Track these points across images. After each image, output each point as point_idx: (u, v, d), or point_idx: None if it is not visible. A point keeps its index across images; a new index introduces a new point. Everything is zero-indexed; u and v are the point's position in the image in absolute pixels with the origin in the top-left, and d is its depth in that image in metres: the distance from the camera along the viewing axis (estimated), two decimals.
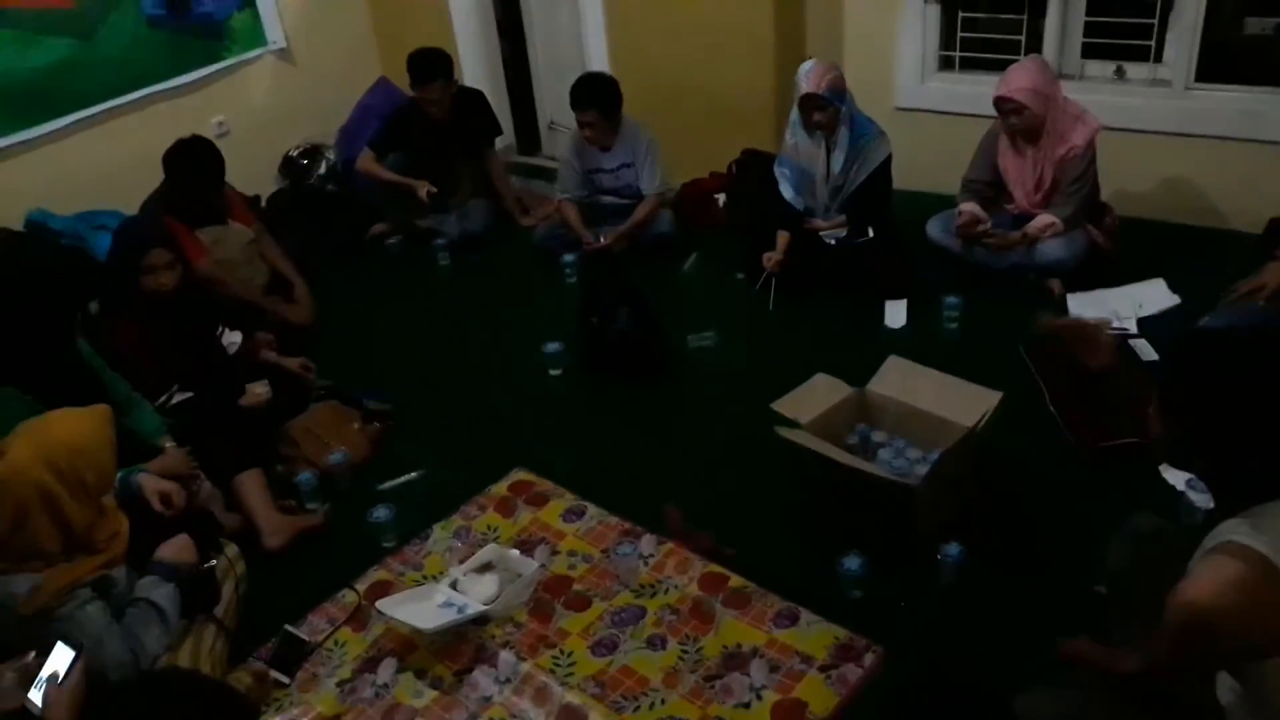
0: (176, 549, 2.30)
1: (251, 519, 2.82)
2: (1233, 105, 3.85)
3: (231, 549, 2.51)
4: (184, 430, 2.90)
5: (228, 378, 3.13)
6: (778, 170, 3.86)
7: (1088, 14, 4.04)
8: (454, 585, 2.58)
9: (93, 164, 4.39)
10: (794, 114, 3.73)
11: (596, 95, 4.12)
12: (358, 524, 2.85)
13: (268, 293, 3.92)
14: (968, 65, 4.40)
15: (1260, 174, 3.79)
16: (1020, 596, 2.43)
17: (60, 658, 1.96)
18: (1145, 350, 3.26)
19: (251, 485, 2.86)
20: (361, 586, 2.67)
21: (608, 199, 4.39)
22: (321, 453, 3.10)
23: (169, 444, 2.82)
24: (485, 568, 2.65)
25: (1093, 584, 2.21)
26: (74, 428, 2.11)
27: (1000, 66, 3.72)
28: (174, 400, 2.99)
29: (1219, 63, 3.95)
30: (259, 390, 3.14)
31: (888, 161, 3.72)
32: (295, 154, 5.16)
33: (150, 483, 2.48)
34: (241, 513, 2.84)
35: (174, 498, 2.47)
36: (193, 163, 3.67)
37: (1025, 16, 4.18)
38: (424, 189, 4.46)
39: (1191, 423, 1.59)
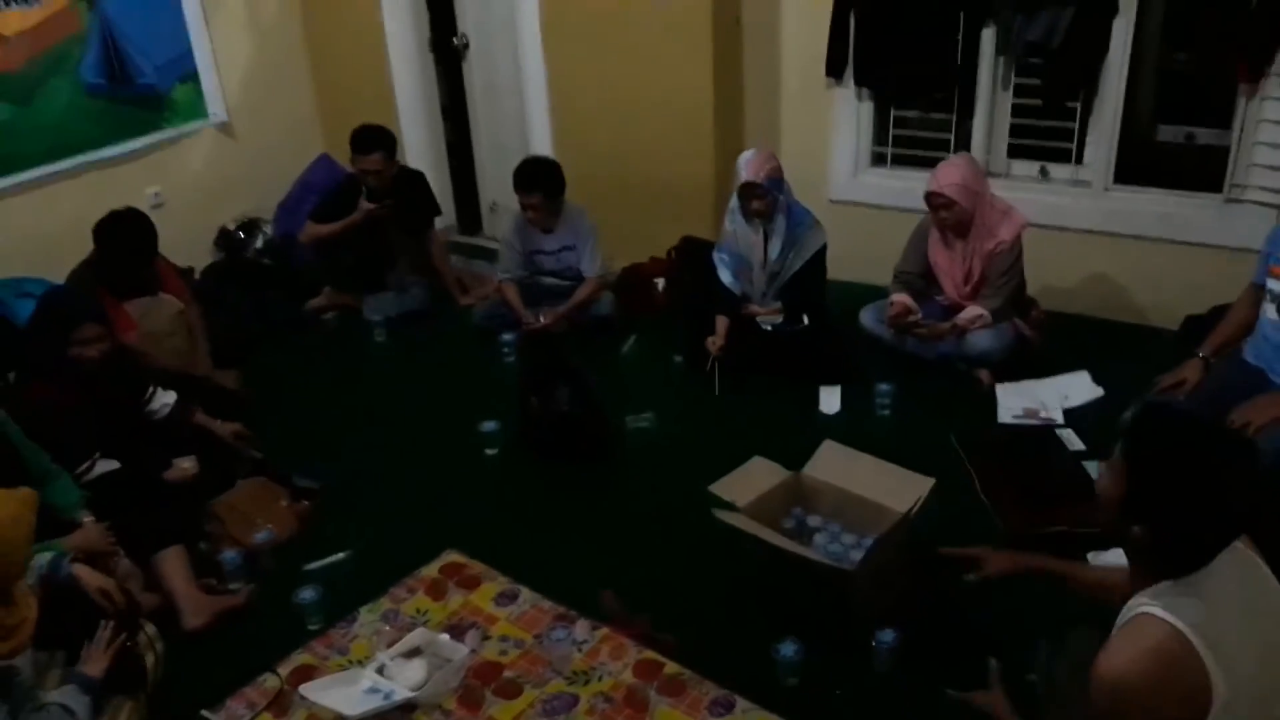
0: (98, 665, 2.19)
1: (172, 598, 2.72)
2: (1150, 206, 4.03)
3: (149, 629, 2.41)
4: (104, 504, 2.80)
5: (153, 449, 3.04)
6: (716, 256, 3.93)
7: (1013, 116, 4.23)
8: (381, 670, 2.50)
9: (22, 229, 4.30)
10: (733, 202, 3.82)
11: (540, 179, 4.18)
12: (283, 605, 2.76)
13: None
14: (899, 161, 4.56)
15: (1176, 273, 3.96)
16: (954, 683, 2.42)
17: None
18: (1071, 440, 3.34)
19: (172, 563, 2.76)
20: (284, 670, 2.57)
21: (548, 280, 4.41)
22: (247, 530, 3.02)
23: (87, 518, 2.72)
24: (414, 652, 2.57)
25: (1025, 673, 2.22)
26: None
27: (930, 163, 3.86)
28: (96, 469, 2.90)
29: (1137, 166, 4.15)
30: (185, 465, 3.06)
31: (823, 250, 3.81)
32: (232, 227, 5.12)
33: (90, 578, 2.37)
34: (161, 591, 2.73)
35: (114, 595, 2.36)
36: (123, 235, 3.60)
37: (954, 117, 4.35)
38: (367, 206, 4.43)
39: (1152, 488, 1.62)
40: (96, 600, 2.32)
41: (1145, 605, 1.59)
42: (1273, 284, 2.94)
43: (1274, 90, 3.61)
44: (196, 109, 4.96)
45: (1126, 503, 1.65)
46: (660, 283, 4.56)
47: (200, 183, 5.04)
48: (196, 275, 4.84)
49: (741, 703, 2.40)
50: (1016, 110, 4.22)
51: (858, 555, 2.64)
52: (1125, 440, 1.70)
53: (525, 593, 2.83)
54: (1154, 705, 1.53)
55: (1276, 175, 3.69)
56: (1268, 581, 1.68)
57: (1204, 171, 4.00)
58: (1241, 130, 3.76)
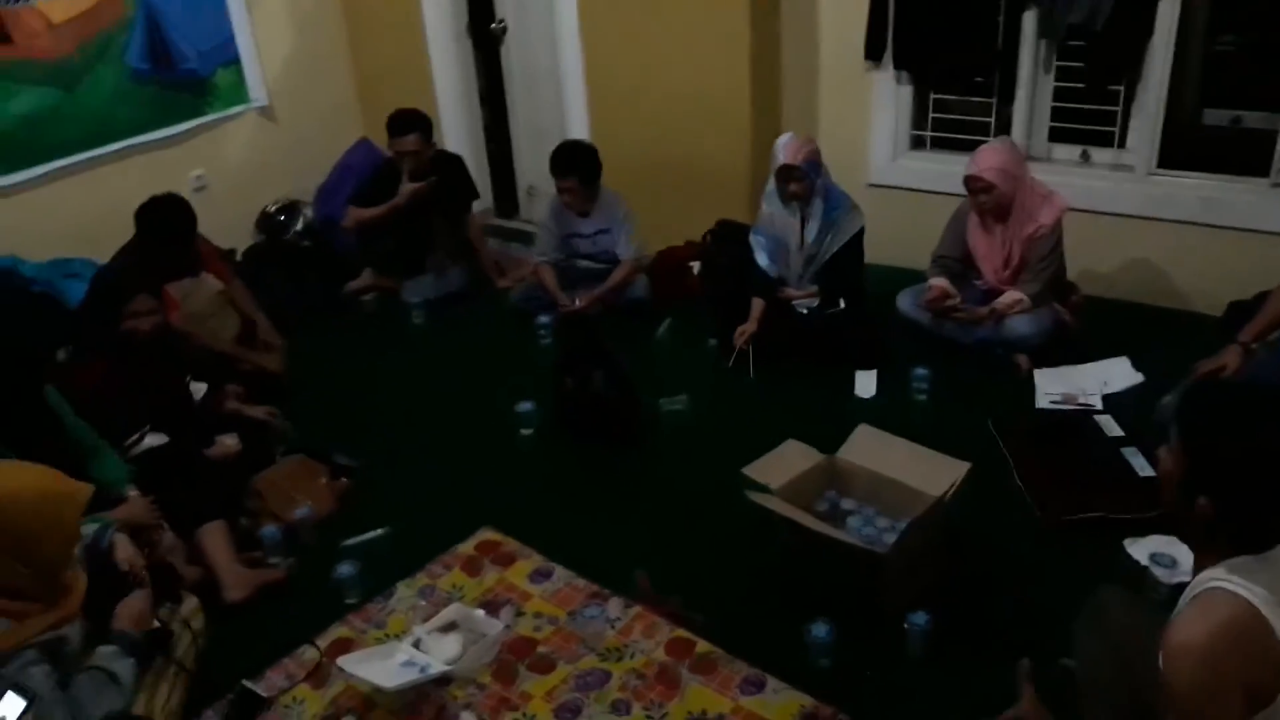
0: (133, 613, 2.23)
1: (214, 571, 2.78)
2: (1193, 192, 3.96)
3: (191, 602, 2.46)
4: (149, 479, 2.86)
5: (198, 427, 3.10)
6: (753, 239, 3.92)
7: (1054, 100, 4.18)
8: (417, 644, 2.54)
9: (68, 213, 4.39)
10: (770, 185, 3.80)
11: (577, 163, 4.19)
12: (321, 580, 2.81)
13: (239, 344, 3.90)
14: (939, 145, 4.52)
15: (1220, 258, 3.89)
16: (986, 668, 2.41)
17: (10, 706, 1.90)
18: (1110, 426, 3.30)
19: (215, 537, 2.82)
20: (323, 643, 2.62)
21: (584, 263, 4.43)
22: (287, 507, 3.07)
23: (133, 492, 2.78)
24: (449, 627, 2.61)
25: (1059, 658, 2.21)
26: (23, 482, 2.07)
27: (970, 147, 3.82)
28: (145, 443, 2.96)
29: (1180, 150, 4.08)
30: (229, 442, 3.11)
31: (860, 234, 3.79)
32: (273, 210, 5.18)
33: (122, 549, 2.42)
34: (203, 565, 2.79)
35: (137, 570, 2.41)
36: (164, 222, 3.65)
37: (995, 100, 4.31)
38: (410, 186, 4.47)
39: (1212, 459, 1.61)
40: (122, 569, 2.37)
41: (1216, 580, 1.58)
42: None
43: None
44: (238, 94, 5.02)
45: (1188, 479, 1.64)
46: (695, 266, 4.56)
47: (242, 166, 5.10)
48: (238, 257, 4.91)
49: (772, 682, 2.41)
50: (1058, 94, 4.16)
51: (891, 539, 2.63)
52: (1178, 419, 1.69)
53: (559, 570, 2.85)
54: (1228, 677, 1.51)
55: None
56: None
57: (1251, 156, 3.92)
58: None
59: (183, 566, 2.74)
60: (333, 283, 4.75)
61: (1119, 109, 4.03)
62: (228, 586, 2.76)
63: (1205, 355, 3.16)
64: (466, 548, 2.98)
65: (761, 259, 3.89)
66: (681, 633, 2.58)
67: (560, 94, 4.90)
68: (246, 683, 2.44)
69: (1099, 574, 2.41)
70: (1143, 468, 3.02)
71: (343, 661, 2.46)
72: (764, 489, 2.70)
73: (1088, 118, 4.13)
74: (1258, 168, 3.84)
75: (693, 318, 4.27)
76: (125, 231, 3.73)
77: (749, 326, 3.85)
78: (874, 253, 3.93)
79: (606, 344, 3.69)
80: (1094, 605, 2.08)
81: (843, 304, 3.85)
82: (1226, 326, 3.51)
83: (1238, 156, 4.03)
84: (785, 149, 3.67)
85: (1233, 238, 3.85)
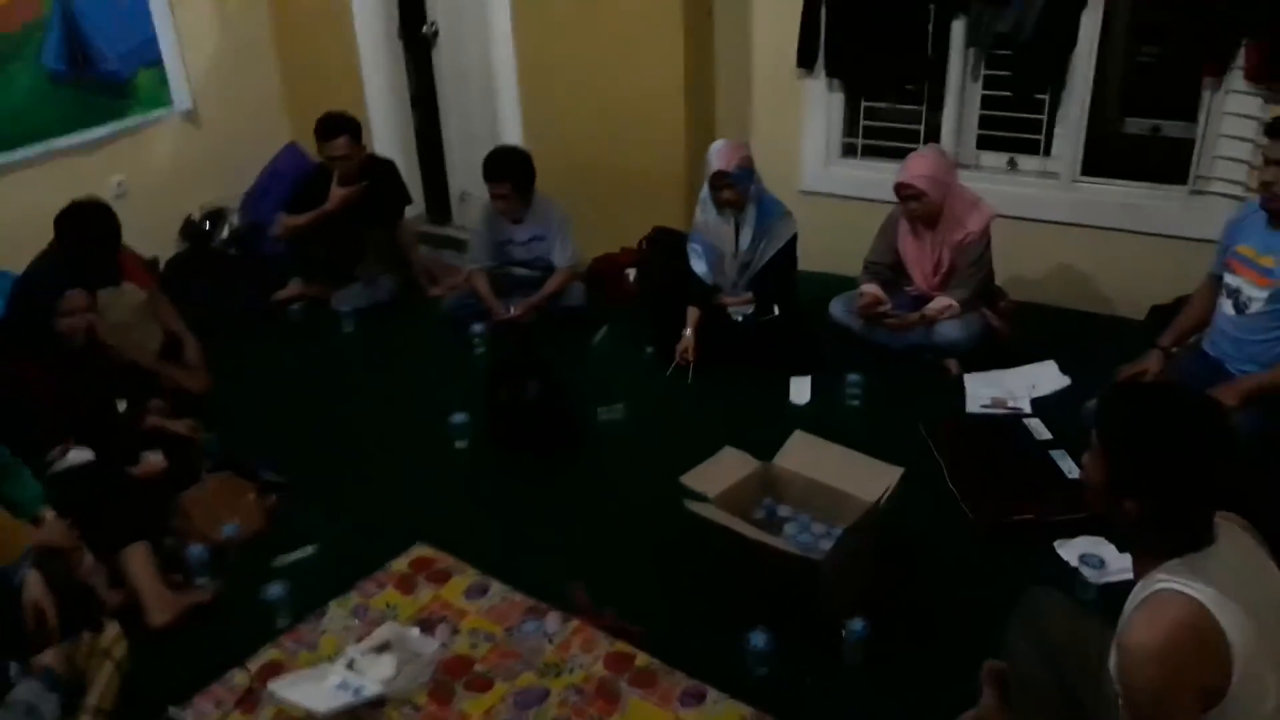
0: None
1: (137, 594, 2.69)
2: (1116, 198, 4.06)
3: (112, 629, 2.38)
4: (68, 498, 2.75)
5: (121, 443, 3.00)
6: (690, 246, 3.92)
7: (982, 108, 4.25)
8: (350, 665, 2.49)
9: None
10: (705, 191, 3.81)
11: (510, 168, 4.15)
12: (251, 601, 2.73)
13: (163, 357, 3.79)
14: (870, 152, 4.57)
15: (1142, 263, 4.00)
16: (923, 672, 2.45)
17: None
18: (1039, 429, 3.36)
19: (138, 559, 2.73)
20: (253, 666, 2.55)
21: (519, 270, 4.40)
22: (214, 525, 2.98)
23: (49, 514, 2.67)
24: (383, 647, 2.56)
25: (993, 659, 2.24)
26: None
27: (900, 154, 3.86)
28: (69, 458, 2.85)
29: (1103, 158, 4.18)
30: (154, 459, 3.02)
31: (793, 241, 3.82)
32: (197, 217, 5.05)
33: (31, 588, 2.34)
34: (126, 588, 2.70)
35: (48, 617, 2.32)
36: (86, 228, 3.53)
37: (924, 108, 4.37)
38: (340, 191, 4.40)
39: (1133, 461, 1.64)
40: (26, 617, 2.28)
41: (1164, 581, 1.61)
42: (1230, 278, 2.98)
43: (1237, 84, 3.64)
44: (160, 96, 4.88)
45: (1112, 483, 1.66)
46: (632, 273, 4.55)
47: (164, 171, 4.96)
48: (161, 265, 4.78)
49: (712, 693, 2.41)
50: (986, 102, 4.24)
51: (828, 544, 2.65)
52: (1098, 422, 1.72)
53: (495, 586, 2.82)
54: (1183, 677, 1.55)
55: (1240, 167, 3.73)
56: (1266, 562, 1.71)
57: (1170, 164, 4.04)
58: (1206, 123, 3.80)
59: (104, 591, 2.66)
60: (260, 291, 4.64)
61: (1044, 117, 4.12)
62: (152, 610, 2.67)
63: (1130, 358, 3.26)
64: (400, 565, 2.93)
65: (699, 266, 3.89)
66: (621, 646, 2.57)
67: (493, 98, 4.86)
68: (173, 710, 2.37)
69: (1030, 575, 2.45)
70: (1071, 470, 3.08)
71: (274, 685, 2.41)
72: (702, 497, 2.69)
73: (1014, 126, 4.21)
74: (1177, 175, 3.95)
75: (630, 325, 4.26)
76: (41, 240, 3.60)
77: (689, 339, 3.85)
78: (806, 260, 3.96)
79: (541, 352, 3.66)
80: (1026, 606, 2.12)
81: (777, 311, 3.87)
82: (1149, 330, 3.60)
83: (1158, 164, 4.15)
84: (719, 155, 3.67)
85: (1154, 243, 3.96)
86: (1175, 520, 1.65)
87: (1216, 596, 1.55)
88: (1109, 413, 1.73)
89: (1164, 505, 1.64)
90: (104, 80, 4.65)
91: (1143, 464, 1.63)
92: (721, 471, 2.83)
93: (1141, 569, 1.69)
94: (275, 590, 2.71)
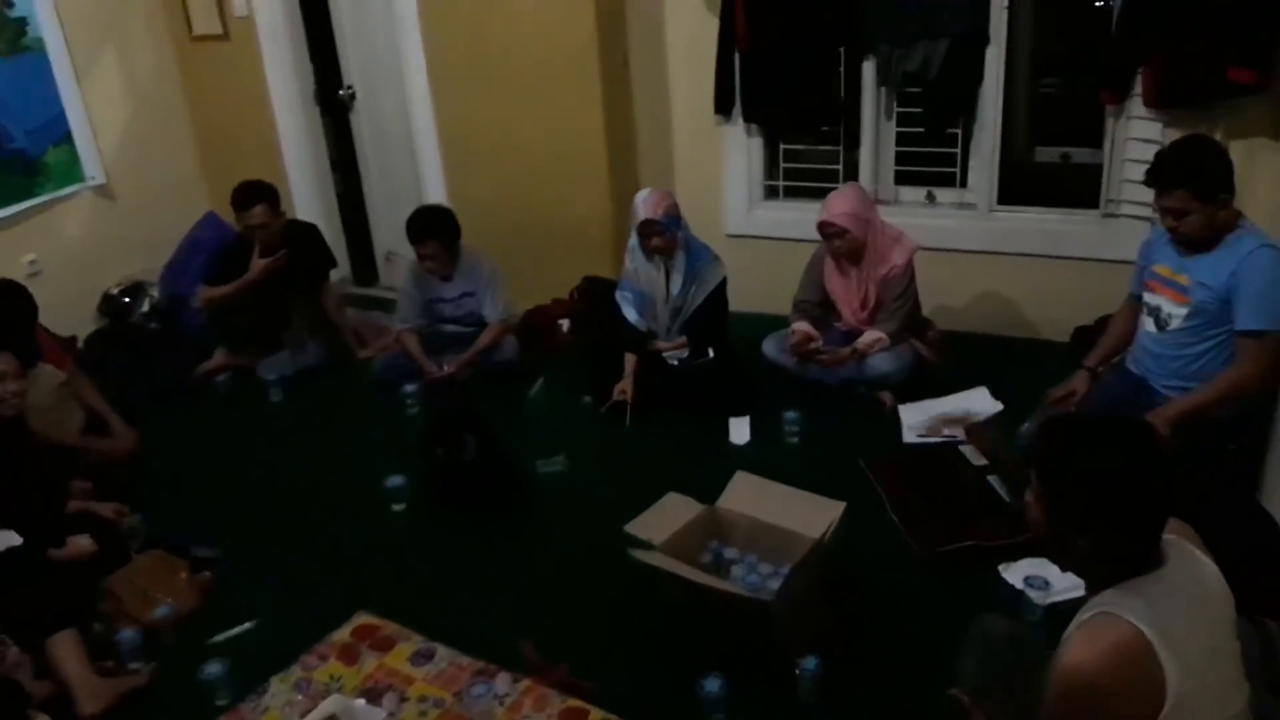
0: None
1: (67, 685, 2.57)
2: (1032, 225, 4.18)
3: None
4: None
5: (47, 527, 2.88)
6: (619, 295, 3.94)
7: (898, 144, 4.35)
8: None
9: None
10: (633, 240, 3.84)
11: (434, 227, 4.13)
12: (188, 682, 2.63)
13: (84, 434, 3.67)
14: (791, 194, 4.65)
15: (1062, 287, 4.10)
16: (880, 706, 2.44)
17: None
18: (974, 455, 3.40)
19: (65, 647, 2.61)
20: None
21: (450, 327, 4.36)
22: (145, 607, 2.87)
23: None
24: None
25: (947, 687, 2.24)
26: None
27: (821, 194, 3.92)
28: None
29: (1018, 187, 4.31)
30: (82, 543, 2.90)
31: (723, 284, 3.85)
32: (115, 291, 4.95)
33: None
34: (54, 678, 2.58)
35: None
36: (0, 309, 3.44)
37: (841, 148, 4.46)
38: (261, 262, 4.33)
39: (1074, 498, 1.65)
40: None
41: (1103, 605, 1.62)
42: (1149, 297, 3.07)
43: (1137, 110, 3.78)
44: (72, 172, 4.79)
45: (1057, 523, 1.68)
46: (565, 324, 4.54)
47: (79, 247, 4.86)
48: (79, 343, 4.65)
49: None
50: (901, 139, 4.35)
51: (776, 584, 2.63)
52: (1034, 465, 1.74)
53: (442, 650, 2.75)
54: (1114, 700, 1.55)
55: (1147, 190, 3.84)
56: (1212, 581, 1.72)
57: (1081, 189, 4.17)
58: (1112, 149, 3.93)
59: (30, 682, 2.53)
60: (184, 365, 4.53)
61: (959, 151, 4.23)
62: (83, 699, 2.55)
63: (1057, 379, 3.33)
64: (342, 635, 2.84)
65: (630, 314, 3.90)
66: (574, 702, 2.51)
67: (415, 158, 4.85)
68: None
69: (977, 600, 2.47)
70: (1007, 494, 3.11)
71: None
72: (647, 545, 2.67)
73: (930, 160, 4.32)
74: (1088, 200, 4.08)
75: (565, 376, 4.24)
76: None
77: (626, 384, 3.85)
78: (737, 301, 3.99)
79: (477, 408, 3.62)
80: (976, 633, 2.13)
81: (711, 353, 3.89)
82: (1074, 351, 3.70)
83: (1070, 190, 4.28)
84: (645, 205, 3.70)
85: (1072, 267, 4.07)
86: (1123, 550, 1.66)
87: (1154, 621, 1.57)
88: (1042, 454, 1.74)
89: (1111, 537, 1.65)
90: (12, 159, 4.56)
91: (1083, 500, 1.64)
92: (665, 517, 2.80)
93: (1092, 594, 1.70)
94: (213, 669, 2.61)
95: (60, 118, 4.71)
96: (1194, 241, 2.86)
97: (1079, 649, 1.58)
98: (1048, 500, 1.69)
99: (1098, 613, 1.61)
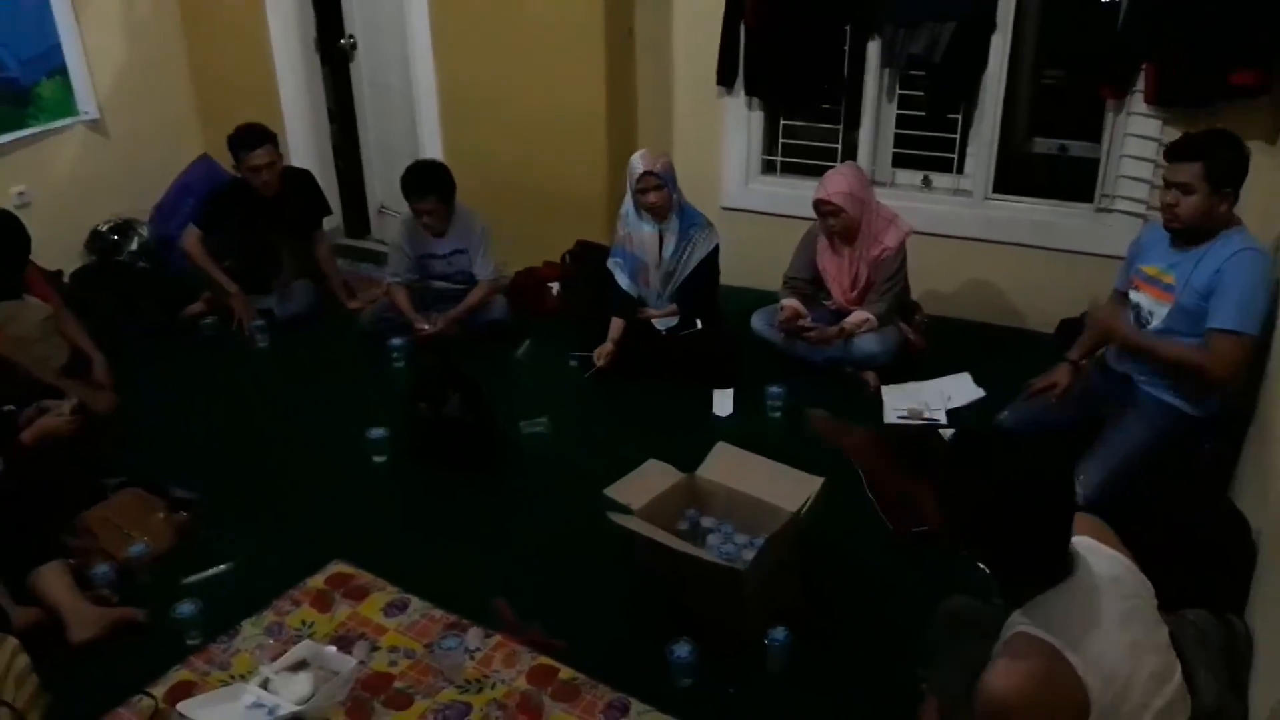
0: None
1: (57, 610, 2.58)
2: (1026, 215, 4.18)
3: (10, 643, 2.26)
4: None
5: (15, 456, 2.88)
6: (612, 262, 3.94)
7: (897, 127, 4.34)
8: (265, 685, 2.42)
9: None
10: (625, 205, 3.83)
11: (435, 183, 4.10)
12: (160, 620, 2.64)
13: (68, 375, 3.64)
14: (789, 170, 4.63)
15: (1052, 278, 4.11)
16: (845, 679, 2.47)
17: None
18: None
19: (53, 576, 2.63)
20: (161, 689, 2.45)
21: (440, 284, 4.34)
22: (121, 544, 2.88)
23: None
24: (299, 666, 2.50)
25: (916, 667, 2.27)
26: None
27: (818, 171, 3.92)
28: None
29: (1014, 176, 4.31)
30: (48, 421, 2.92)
31: (715, 252, 3.86)
32: (104, 229, 4.91)
33: None
34: (43, 605, 2.59)
35: None
36: None
37: (841, 126, 4.45)
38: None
39: (962, 514, 1.69)
40: None
41: (1020, 624, 1.64)
42: (1133, 295, 3.08)
43: (1137, 106, 3.78)
44: (65, 105, 4.74)
45: (947, 532, 1.71)
46: (555, 287, 4.54)
47: (69, 182, 4.81)
48: (65, 279, 4.62)
49: (636, 705, 2.39)
50: (901, 121, 4.33)
51: (750, 555, 2.65)
52: (938, 473, 1.77)
53: (415, 602, 2.77)
54: None
55: (1142, 186, 3.87)
56: (1125, 575, 1.75)
57: (1077, 182, 4.18)
58: (1109, 144, 3.93)
59: (9, 606, 2.54)
60: (169, 306, 4.51)
61: (957, 136, 4.22)
62: (74, 626, 2.56)
63: (1040, 370, 3.35)
64: (316, 582, 2.86)
65: (623, 280, 3.91)
66: (543, 660, 2.54)
67: (413, 112, 4.81)
68: None
69: (949, 582, 2.49)
70: None
71: (183, 706, 2.33)
72: (625, 510, 2.68)
73: (929, 145, 4.31)
74: (1083, 194, 4.09)
75: (553, 338, 4.24)
76: None
77: (609, 347, 3.86)
78: (728, 275, 4.00)
79: (463, 366, 3.62)
80: (943, 615, 2.15)
81: (699, 324, 3.90)
82: (1059, 343, 3.72)
83: (1065, 183, 4.29)
84: (642, 159, 3.73)
85: (1062, 259, 4.08)
86: (1031, 563, 1.68)
87: (1074, 638, 1.59)
88: (947, 465, 1.77)
89: (1003, 556, 1.69)
90: (4, 88, 4.49)
91: (972, 523, 1.68)
92: (645, 484, 2.82)
93: (1010, 605, 1.71)
94: (186, 609, 2.63)
95: (55, 49, 4.64)
96: (1187, 229, 2.85)
97: (1000, 677, 1.60)
98: (942, 510, 1.72)
99: (1016, 633, 1.64)
